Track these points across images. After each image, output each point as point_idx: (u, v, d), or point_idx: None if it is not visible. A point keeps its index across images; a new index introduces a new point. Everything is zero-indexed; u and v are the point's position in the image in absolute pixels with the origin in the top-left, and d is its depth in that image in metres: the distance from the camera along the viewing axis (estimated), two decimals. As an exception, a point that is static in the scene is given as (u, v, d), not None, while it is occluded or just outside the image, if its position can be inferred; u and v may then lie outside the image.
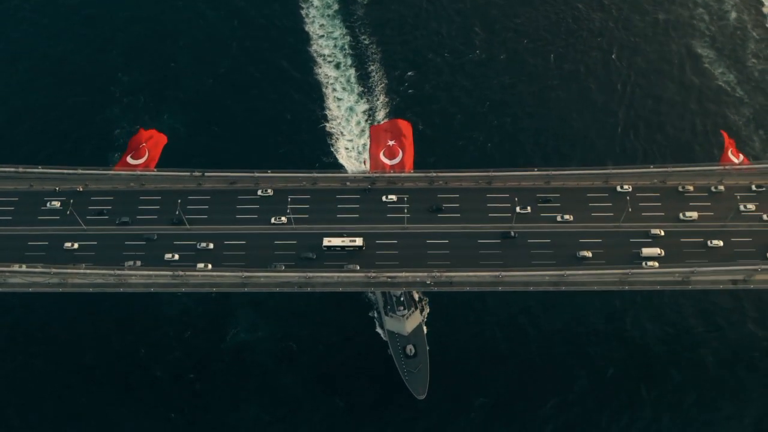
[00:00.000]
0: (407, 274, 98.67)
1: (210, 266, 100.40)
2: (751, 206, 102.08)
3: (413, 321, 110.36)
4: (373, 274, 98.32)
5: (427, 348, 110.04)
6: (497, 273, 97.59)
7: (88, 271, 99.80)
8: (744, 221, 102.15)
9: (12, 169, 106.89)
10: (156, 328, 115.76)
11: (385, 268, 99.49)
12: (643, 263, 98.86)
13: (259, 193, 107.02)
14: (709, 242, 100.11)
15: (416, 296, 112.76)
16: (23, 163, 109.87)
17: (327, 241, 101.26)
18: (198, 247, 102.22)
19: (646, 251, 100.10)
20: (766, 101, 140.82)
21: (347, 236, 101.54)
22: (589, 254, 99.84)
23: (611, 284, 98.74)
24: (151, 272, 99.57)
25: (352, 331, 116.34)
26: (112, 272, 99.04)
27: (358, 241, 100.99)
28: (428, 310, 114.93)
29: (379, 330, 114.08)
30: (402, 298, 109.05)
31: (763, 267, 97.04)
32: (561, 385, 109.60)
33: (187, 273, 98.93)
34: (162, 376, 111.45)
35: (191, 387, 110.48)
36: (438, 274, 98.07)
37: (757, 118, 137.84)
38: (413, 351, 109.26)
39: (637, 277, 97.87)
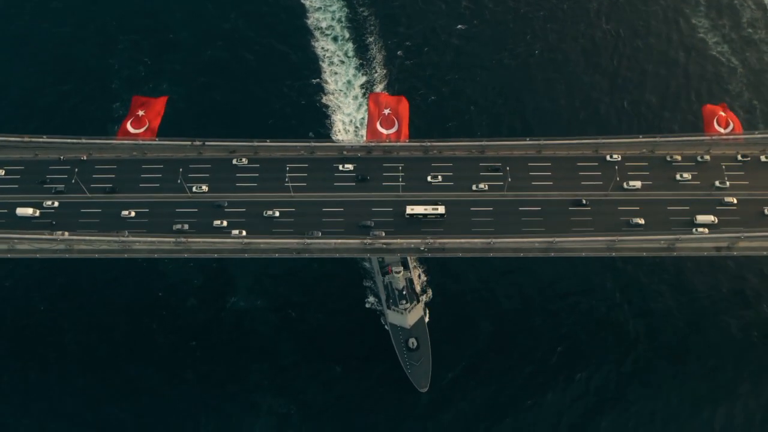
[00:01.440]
0: (402, 240, 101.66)
1: (244, 233, 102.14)
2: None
3: (415, 314, 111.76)
4: (369, 241, 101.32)
5: (429, 341, 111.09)
6: (488, 240, 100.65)
7: (94, 237, 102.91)
8: (729, 191, 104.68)
9: (17, 139, 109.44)
10: (158, 298, 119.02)
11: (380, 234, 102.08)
12: (694, 229, 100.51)
13: (234, 162, 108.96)
14: (695, 218, 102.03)
15: (418, 288, 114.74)
16: (25, 133, 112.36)
17: (410, 209, 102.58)
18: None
19: (701, 218, 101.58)
20: (760, 71, 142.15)
21: (429, 204, 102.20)
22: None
23: (599, 250, 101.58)
24: (154, 239, 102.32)
25: (348, 300, 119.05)
26: (116, 238, 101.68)
27: (440, 209, 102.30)
28: (431, 294, 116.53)
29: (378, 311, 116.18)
30: (404, 292, 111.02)
31: (747, 235, 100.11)
32: (563, 380, 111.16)
33: (189, 239, 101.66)
34: (164, 343, 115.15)
35: (193, 354, 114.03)
36: (431, 240, 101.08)
37: (750, 88, 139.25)
38: (415, 344, 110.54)
39: (623, 244, 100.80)
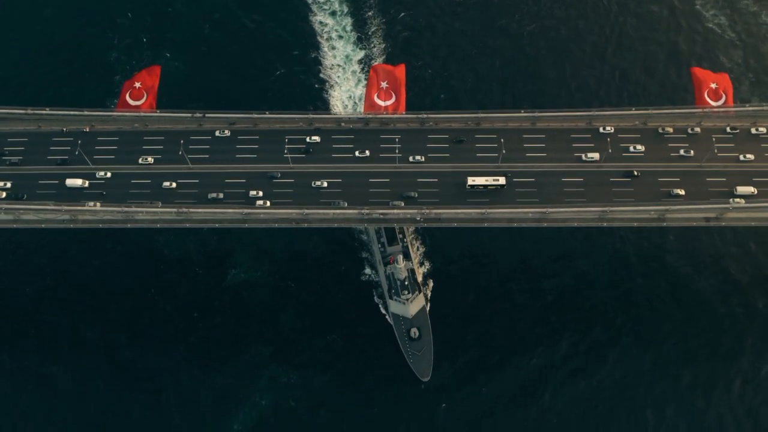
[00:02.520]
0: (398, 210, 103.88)
1: (269, 203, 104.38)
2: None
3: (417, 304, 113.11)
4: (366, 211, 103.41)
5: (431, 330, 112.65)
6: (483, 210, 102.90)
7: (98, 208, 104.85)
8: (718, 161, 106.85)
9: (21, 111, 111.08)
10: (160, 270, 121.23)
11: (377, 205, 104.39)
12: (732, 200, 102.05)
13: (217, 134, 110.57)
14: (673, 191, 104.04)
15: (419, 278, 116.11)
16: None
17: (471, 180, 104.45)
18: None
19: (741, 189, 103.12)
20: (757, 44, 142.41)
21: (489, 175, 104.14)
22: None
23: (591, 221, 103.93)
24: (156, 209, 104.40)
25: (346, 272, 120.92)
26: (119, 209, 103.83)
27: (501, 180, 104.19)
28: (432, 284, 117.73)
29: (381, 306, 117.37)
30: (406, 282, 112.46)
31: (735, 205, 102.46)
32: (567, 373, 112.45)
33: (191, 210, 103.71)
34: (167, 314, 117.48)
35: (195, 325, 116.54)
36: (427, 211, 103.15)
37: (747, 61, 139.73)
38: (417, 334, 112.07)
39: (614, 214, 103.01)
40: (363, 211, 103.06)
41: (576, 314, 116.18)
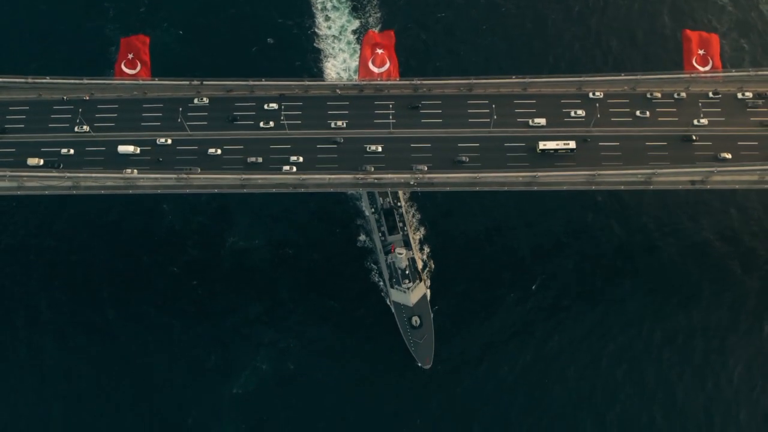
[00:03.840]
0: (392, 175, 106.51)
1: (295, 168, 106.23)
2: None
3: (418, 292, 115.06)
4: (362, 176, 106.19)
5: (432, 318, 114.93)
6: (475, 174, 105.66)
7: (100, 174, 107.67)
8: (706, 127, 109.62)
9: (21, 80, 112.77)
10: (159, 239, 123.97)
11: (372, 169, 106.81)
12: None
13: (195, 101, 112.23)
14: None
15: (420, 266, 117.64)
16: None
17: (542, 145, 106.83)
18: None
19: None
20: (748, 9, 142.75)
21: (560, 140, 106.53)
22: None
23: (579, 184, 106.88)
24: (157, 175, 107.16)
25: (342, 238, 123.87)
26: (121, 175, 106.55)
27: (571, 144, 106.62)
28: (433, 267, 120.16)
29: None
30: (407, 271, 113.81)
31: (720, 169, 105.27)
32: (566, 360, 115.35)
33: (191, 176, 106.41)
34: (167, 282, 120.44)
35: (195, 292, 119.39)
36: (420, 175, 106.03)
37: (738, 27, 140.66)
38: (418, 322, 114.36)
39: (603, 178, 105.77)
40: (358, 176, 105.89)
41: (585, 294, 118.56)
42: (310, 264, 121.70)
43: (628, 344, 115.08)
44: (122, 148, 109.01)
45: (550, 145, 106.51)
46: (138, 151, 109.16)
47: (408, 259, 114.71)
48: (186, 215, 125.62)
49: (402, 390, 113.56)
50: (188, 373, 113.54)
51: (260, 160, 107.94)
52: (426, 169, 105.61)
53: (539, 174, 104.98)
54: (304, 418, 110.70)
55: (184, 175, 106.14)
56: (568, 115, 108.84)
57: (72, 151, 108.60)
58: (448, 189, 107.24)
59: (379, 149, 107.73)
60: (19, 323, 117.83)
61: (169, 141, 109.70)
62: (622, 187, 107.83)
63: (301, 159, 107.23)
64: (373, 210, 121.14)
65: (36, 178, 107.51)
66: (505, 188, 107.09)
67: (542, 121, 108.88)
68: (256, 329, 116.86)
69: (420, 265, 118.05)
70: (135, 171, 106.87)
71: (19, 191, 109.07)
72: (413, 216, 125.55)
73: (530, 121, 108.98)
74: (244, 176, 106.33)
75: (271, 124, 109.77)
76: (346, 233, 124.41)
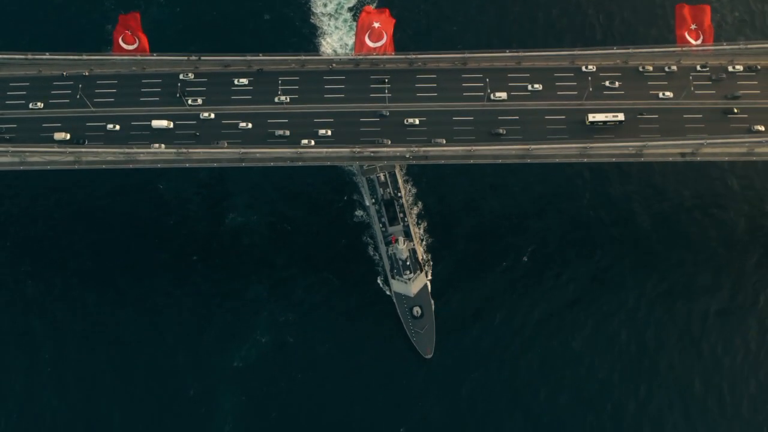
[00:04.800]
0: (388, 149, 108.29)
1: (313, 142, 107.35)
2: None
3: (418, 283, 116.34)
4: (358, 149, 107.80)
5: (433, 309, 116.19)
6: (469, 147, 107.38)
7: (101, 149, 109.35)
8: (696, 99, 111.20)
9: (21, 56, 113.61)
10: (159, 215, 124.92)
11: (368, 143, 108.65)
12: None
13: (181, 77, 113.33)
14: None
15: (420, 258, 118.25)
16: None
17: (591, 117, 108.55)
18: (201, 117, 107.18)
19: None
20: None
21: (609, 112, 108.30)
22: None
23: (572, 156, 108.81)
24: (157, 149, 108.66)
25: (339, 214, 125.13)
26: (121, 150, 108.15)
27: (620, 116, 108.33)
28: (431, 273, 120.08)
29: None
30: (408, 262, 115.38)
31: (709, 141, 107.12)
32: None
33: (190, 150, 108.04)
34: (167, 257, 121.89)
35: (194, 267, 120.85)
36: (416, 148, 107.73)
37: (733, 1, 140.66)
38: (420, 312, 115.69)
39: (595, 150, 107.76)
40: (355, 149, 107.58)
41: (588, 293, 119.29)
42: (308, 239, 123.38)
43: (636, 318, 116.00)
44: (156, 123, 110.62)
45: (599, 117, 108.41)
46: (171, 125, 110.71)
47: (409, 250, 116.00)
48: (184, 192, 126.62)
49: (397, 366, 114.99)
50: (189, 347, 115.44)
51: (287, 133, 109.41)
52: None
53: (532, 147, 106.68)
54: (304, 390, 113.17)
55: (184, 149, 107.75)
56: (561, 87, 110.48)
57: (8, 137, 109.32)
58: (442, 162, 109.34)
59: (377, 122, 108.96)
60: (17, 298, 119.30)
61: (212, 115, 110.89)
62: (614, 159, 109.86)
63: (329, 132, 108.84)
64: (373, 201, 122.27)
65: (38, 153, 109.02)
66: (499, 161, 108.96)
67: (503, 95, 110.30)
68: (256, 303, 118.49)
69: (420, 252, 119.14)
70: (162, 146, 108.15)
71: (21, 166, 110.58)
72: (412, 195, 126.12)
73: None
74: (242, 150, 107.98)
75: (284, 98, 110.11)
76: (343, 208, 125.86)
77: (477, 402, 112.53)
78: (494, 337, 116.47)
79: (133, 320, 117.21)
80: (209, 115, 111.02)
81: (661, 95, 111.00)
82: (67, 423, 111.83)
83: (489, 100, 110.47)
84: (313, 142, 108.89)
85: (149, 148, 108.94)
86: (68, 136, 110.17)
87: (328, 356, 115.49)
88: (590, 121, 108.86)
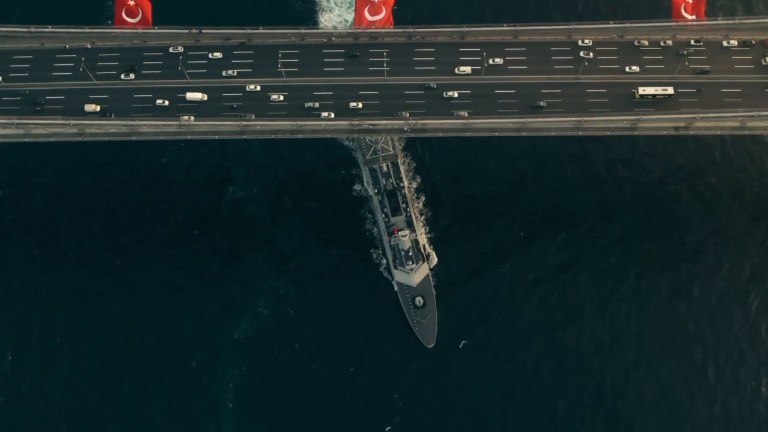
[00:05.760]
0: (386, 121, 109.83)
1: (332, 114, 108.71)
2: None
3: (421, 273, 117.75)
4: (357, 122, 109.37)
5: (435, 298, 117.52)
6: (466, 120, 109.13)
7: (104, 122, 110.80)
8: (690, 74, 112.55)
9: (24, 29, 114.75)
10: (159, 190, 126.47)
11: (367, 116, 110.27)
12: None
13: (170, 50, 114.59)
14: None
15: (422, 248, 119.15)
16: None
17: (642, 90, 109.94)
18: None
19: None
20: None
21: (657, 85, 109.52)
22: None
23: (567, 130, 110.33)
24: (159, 122, 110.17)
25: (338, 187, 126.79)
26: (124, 122, 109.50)
27: (669, 90, 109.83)
28: (435, 261, 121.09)
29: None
30: (410, 253, 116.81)
31: (702, 115, 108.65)
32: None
33: (192, 122, 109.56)
34: (168, 232, 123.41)
35: (195, 241, 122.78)
36: (414, 121, 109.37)
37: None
38: (422, 302, 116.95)
39: (590, 124, 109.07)
40: (354, 122, 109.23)
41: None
42: (307, 213, 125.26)
43: (640, 297, 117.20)
44: (190, 95, 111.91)
45: (649, 90, 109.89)
46: (206, 98, 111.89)
47: (411, 240, 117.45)
48: (185, 167, 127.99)
49: (398, 354, 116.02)
50: (191, 319, 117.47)
51: (317, 105, 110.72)
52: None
53: (528, 120, 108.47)
54: (304, 361, 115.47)
55: (185, 122, 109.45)
56: (557, 62, 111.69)
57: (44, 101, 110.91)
58: (440, 135, 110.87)
59: (375, 94, 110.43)
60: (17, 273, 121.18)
61: (258, 87, 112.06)
62: (608, 133, 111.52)
63: (361, 104, 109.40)
64: (376, 191, 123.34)
65: (42, 125, 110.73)
66: (496, 134, 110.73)
67: (468, 69, 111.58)
68: (257, 276, 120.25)
69: (423, 241, 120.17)
70: (192, 118, 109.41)
71: (26, 138, 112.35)
72: (416, 182, 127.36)
73: (456, 69, 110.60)
74: (243, 123, 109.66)
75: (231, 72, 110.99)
76: (342, 183, 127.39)
77: (478, 392, 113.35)
78: (496, 326, 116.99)
79: (135, 295, 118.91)
80: (279, 97, 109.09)
81: (698, 70, 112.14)
82: (67, 397, 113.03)
83: (486, 73, 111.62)
84: (318, 105, 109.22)
85: (151, 120, 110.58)
86: (98, 108, 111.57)
87: (328, 326, 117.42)
88: (640, 95, 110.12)
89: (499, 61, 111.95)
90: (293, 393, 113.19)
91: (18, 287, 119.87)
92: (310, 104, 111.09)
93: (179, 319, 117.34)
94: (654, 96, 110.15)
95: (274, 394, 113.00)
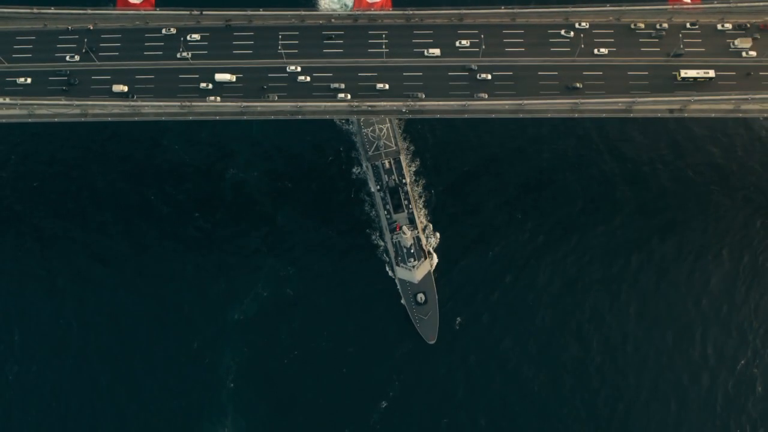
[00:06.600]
0: (385, 103, 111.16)
1: (349, 96, 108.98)
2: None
3: (422, 270, 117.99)
4: (356, 103, 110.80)
5: (437, 295, 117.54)
6: (464, 102, 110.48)
7: (107, 102, 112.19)
8: (687, 57, 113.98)
9: (27, 10, 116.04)
10: (160, 172, 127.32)
11: (366, 98, 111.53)
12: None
13: (163, 31, 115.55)
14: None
15: (424, 247, 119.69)
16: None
17: (684, 73, 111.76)
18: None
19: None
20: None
21: (698, 68, 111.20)
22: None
23: (563, 112, 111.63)
24: (161, 102, 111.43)
25: (337, 170, 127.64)
26: (126, 103, 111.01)
27: (711, 73, 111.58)
28: (437, 261, 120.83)
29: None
30: (412, 250, 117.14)
31: (697, 98, 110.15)
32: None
33: (194, 103, 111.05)
34: (169, 213, 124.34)
35: (196, 222, 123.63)
36: (412, 103, 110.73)
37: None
38: (424, 299, 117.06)
39: (585, 106, 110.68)
40: (353, 103, 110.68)
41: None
42: (307, 195, 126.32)
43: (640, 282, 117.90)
44: (219, 76, 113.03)
45: (691, 73, 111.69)
46: (234, 79, 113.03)
47: (413, 237, 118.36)
48: (186, 149, 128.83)
49: (400, 348, 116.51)
50: (192, 301, 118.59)
51: (343, 86, 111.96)
52: (423, 96, 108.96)
53: (525, 102, 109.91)
54: (303, 342, 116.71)
55: (187, 103, 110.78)
56: (555, 44, 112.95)
57: (77, 81, 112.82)
58: (438, 116, 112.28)
59: (375, 76, 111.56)
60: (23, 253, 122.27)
61: (299, 68, 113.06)
62: (604, 115, 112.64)
63: (342, 86, 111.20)
64: (378, 187, 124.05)
65: (45, 106, 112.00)
66: (493, 116, 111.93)
67: (437, 51, 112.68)
68: (257, 258, 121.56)
69: (424, 241, 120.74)
70: (218, 99, 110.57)
71: (29, 119, 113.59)
72: (417, 177, 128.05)
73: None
74: (244, 104, 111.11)
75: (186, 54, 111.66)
76: (341, 165, 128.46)
77: (480, 387, 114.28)
78: (498, 323, 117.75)
79: (136, 276, 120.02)
80: (306, 78, 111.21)
81: (744, 54, 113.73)
82: (71, 377, 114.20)
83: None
84: (343, 86, 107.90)
85: (153, 100, 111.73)
86: (126, 89, 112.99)
87: (327, 307, 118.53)
88: (682, 77, 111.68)
89: (496, 42, 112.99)
90: (293, 373, 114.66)
91: (21, 271, 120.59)
92: (336, 85, 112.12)
93: (181, 301, 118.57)
94: (695, 79, 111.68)
95: (274, 374, 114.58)
